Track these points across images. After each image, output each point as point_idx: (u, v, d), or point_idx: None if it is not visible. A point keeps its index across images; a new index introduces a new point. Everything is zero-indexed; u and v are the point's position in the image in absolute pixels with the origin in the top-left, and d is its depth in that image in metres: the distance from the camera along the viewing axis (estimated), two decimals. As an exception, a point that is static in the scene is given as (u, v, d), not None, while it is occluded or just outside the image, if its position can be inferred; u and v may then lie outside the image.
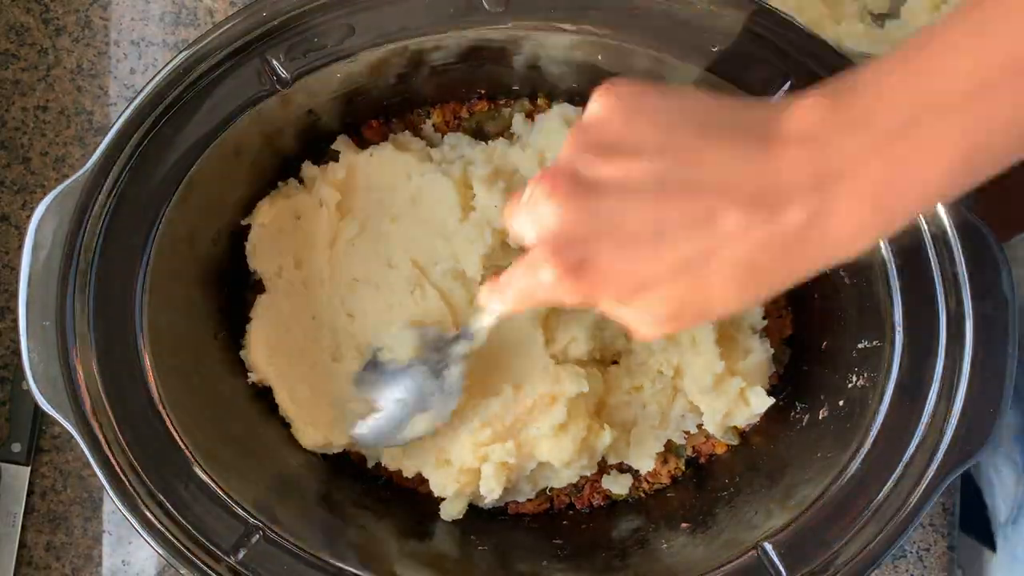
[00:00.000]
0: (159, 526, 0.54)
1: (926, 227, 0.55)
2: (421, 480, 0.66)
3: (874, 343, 0.58)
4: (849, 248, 0.40)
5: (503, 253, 0.63)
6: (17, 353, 0.70)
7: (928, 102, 0.37)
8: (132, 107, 0.55)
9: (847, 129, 0.38)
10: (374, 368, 0.63)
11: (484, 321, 0.56)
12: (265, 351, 0.65)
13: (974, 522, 0.74)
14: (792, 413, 0.66)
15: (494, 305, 0.50)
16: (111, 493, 0.54)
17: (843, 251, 0.40)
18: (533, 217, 0.42)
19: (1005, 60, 0.36)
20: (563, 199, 0.40)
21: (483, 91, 0.66)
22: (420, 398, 0.61)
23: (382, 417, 0.62)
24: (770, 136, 0.39)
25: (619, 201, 0.40)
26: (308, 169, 0.66)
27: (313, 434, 0.65)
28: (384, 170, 0.65)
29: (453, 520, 0.65)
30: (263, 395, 0.66)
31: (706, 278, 0.40)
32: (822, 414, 0.62)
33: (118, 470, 0.54)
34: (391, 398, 0.62)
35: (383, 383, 0.62)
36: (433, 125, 0.68)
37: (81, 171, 0.54)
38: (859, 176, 0.38)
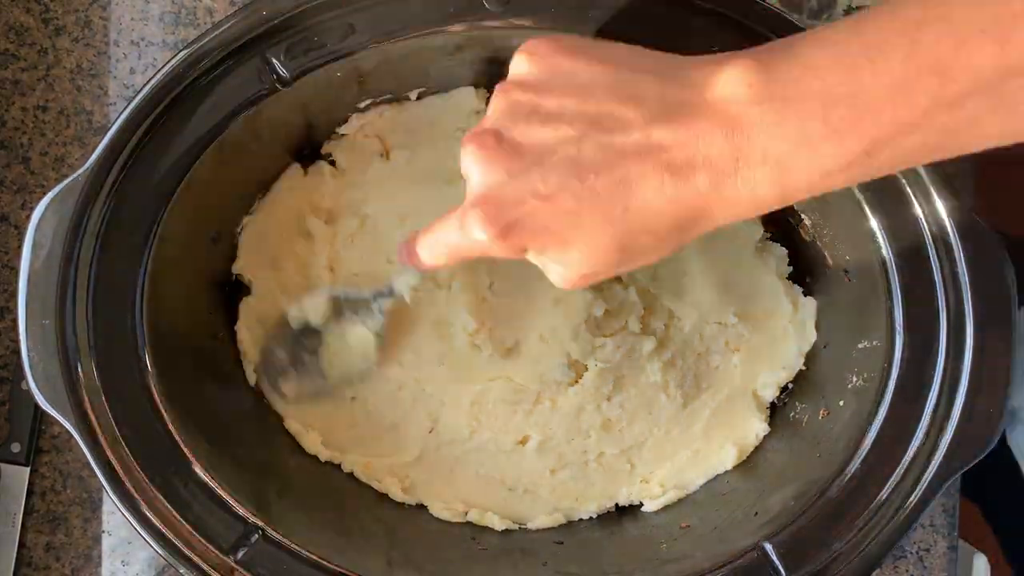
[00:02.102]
0: (159, 526, 0.54)
1: (927, 227, 0.55)
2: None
3: (874, 343, 0.58)
4: (738, 212, 0.42)
5: None
6: (17, 353, 0.70)
7: (849, 92, 0.38)
8: (132, 107, 0.55)
9: (766, 105, 0.39)
10: (282, 331, 0.63)
11: (410, 278, 0.57)
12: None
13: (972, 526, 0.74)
14: (792, 413, 0.66)
15: (423, 258, 0.51)
16: (111, 493, 0.54)
17: (733, 215, 0.42)
18: (468, 174, 0.44)
19: (931, 64, 0.37)
20: (489, 162, 0.43)
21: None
22: (339, 351, 0.62)
23: (299, 372, 0.63)
24: (692, 102, 0.41)
25: (542, 165, 0.42)
26: (312, 166, 0.66)
27: (315, 439, 0.66)
28: (388, 168, 0.65)
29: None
30: (263, 394, 0.66)
31: (626, 233, 0.42)
32: (822, 414, 0.62)
33: (118, 470, 0.54)
34: (304, 355, 0.63)
35: (294, 339, 0.63)
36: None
37: (81, 169, 0.54)
38: (767, 153, 0.39)
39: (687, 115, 0.40)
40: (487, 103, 0.66)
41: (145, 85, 0.55)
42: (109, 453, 0.54)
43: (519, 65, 0.44)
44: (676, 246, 0.43)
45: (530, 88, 0.43)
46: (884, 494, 0.55)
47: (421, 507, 0.66)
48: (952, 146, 0.39)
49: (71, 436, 0.54)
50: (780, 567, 0.56)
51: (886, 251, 0.56)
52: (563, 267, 0.44)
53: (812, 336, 0.65)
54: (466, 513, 0.66)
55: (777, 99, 0.39)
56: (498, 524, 0.65)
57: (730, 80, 0.40)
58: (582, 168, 0.41)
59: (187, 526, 0.54)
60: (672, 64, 0.43)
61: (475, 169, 0.43)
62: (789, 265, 0.66)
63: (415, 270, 0.54)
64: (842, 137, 0.38)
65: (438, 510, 0.66)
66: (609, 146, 0.41)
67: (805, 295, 0.66)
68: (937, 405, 0.55)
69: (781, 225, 0.67)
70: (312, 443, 0.66)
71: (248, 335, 0.66)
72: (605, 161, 0.41)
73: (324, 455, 0.66)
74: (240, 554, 0.55)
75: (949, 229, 0.54)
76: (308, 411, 0.66)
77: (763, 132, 0.39)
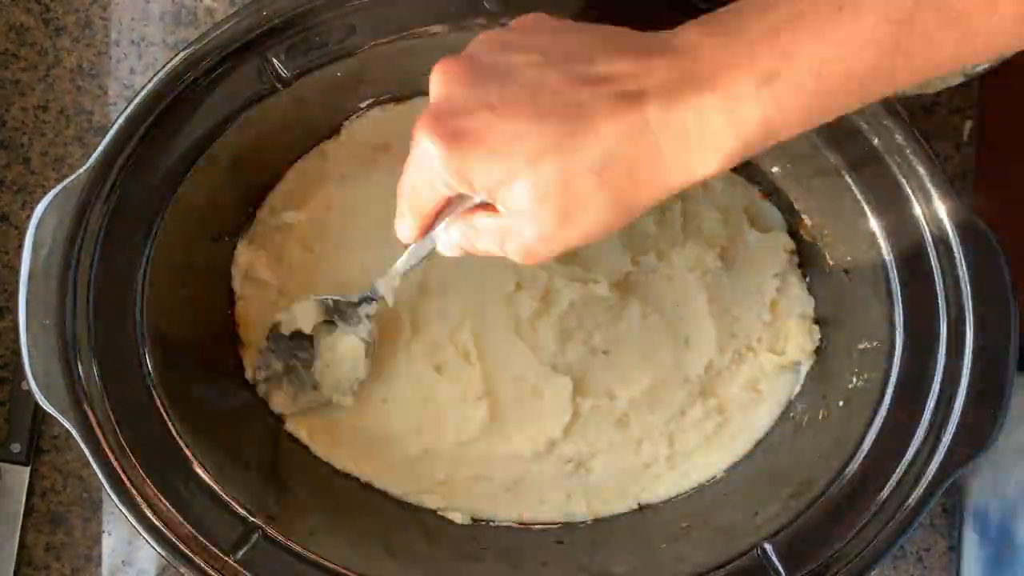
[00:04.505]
0: (159, 526, 0.54)
1: (927, 227, 0.55)
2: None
3: (874, 343, 0.58)
4: (691, 158, 0.41)
5: None
6: (17, 353, 0.70)
7: (795, 13, 0.39)
8: (132, 107, 0.54)
9: (717, 37, 0.41)
10: (276, 340, 0.64)
11: (391, 280, 0.59)
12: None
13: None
14: (792, 414, 0.66)
15: (398, 221, 0.50)
16: (111, 493, 0.54)
17: (685, 162, 0.41)
18: (431, 91, 0.44)
19: None
20: (451, 77, 0.43)
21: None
22: (330, 361, 0.64)
23: (293, 381, 0.65)
24: (652, 45, 0.42)
25: (502, 82, 0.42)
26: (312, 167, 0.66)
27: (320, 441, 0.66)
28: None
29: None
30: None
31: (571, 167, 0.41)
32: (822, 414, 0.62)
33: (118, 470, 0.54)
34: (298, 364, 0.64)
35: (288, 349, 0.64)
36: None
37: (81, 169, 0.54)
38: (716, 78, 0.40)
39: (647, 52, 0.42)
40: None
41: (145, 85, 0.55)
42: (109, 453, 0.54)
43: (513, 23, 0.46)
44: (624, 204, 0.43)
45: (512, 32, 0.45)
46: (884, 494, 0.55)
47: (422, 506, 0.66)
48: (905, 69, 0.40)
49: (71, 436, 0.54)
50: (780, 567, 0.56)
51: (886, 251, 0.56)
52: (515, 219, 0.44)
53: (816, 334, 0.65)
54: (467, 513, 0.66)
55: (730, 32, 0.40)
56: (499, 522, 0.65)
57: (687, 26, 0.42)
58: (539, 88, 0.42)
59: (187, 526, 0.54)
60: (633, 31, 0.45)
61: (436, 84, 0.44)
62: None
63: (393, 271, 0.57)
64: (790, 59, 0.39)
65: (438, 508, 0.66)
66: (570, 72, 0.42)
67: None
68: (937, 405, 0.55)
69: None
70: (318, 446, 0.66)
71: (249, 334, 0.66)
72: (563, 84, 0.41)
73: (333, 459, 0.66)
74: (240, 554, 0.55)
75: (949, 229, 0.54)
76: (311, 414, 0.66)
77: (711, 56, 0.40)
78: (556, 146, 0.41)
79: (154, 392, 0.55)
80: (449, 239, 0.49)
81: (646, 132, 0.41)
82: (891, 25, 0.38)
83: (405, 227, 0.50)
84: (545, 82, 0.42)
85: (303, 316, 0.63)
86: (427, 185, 0.45)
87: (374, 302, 0.61)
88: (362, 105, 0.65)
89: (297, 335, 0.64)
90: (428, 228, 0.49)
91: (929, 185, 0.54)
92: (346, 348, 0.64)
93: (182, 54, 0.55)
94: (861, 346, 0.60)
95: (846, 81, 0.40)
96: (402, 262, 0.56)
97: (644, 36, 0.44)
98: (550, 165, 0.41)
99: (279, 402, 0.65)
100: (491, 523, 0.66)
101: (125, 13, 0.71)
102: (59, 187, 0.54)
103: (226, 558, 0.55)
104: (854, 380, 0.60)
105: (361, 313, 0.62)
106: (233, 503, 0.56)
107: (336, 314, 0.63)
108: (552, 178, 0.42)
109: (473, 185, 0.43)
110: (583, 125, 0.41)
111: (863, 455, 0.56)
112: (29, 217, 0.54)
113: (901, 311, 0.56)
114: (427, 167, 0.44)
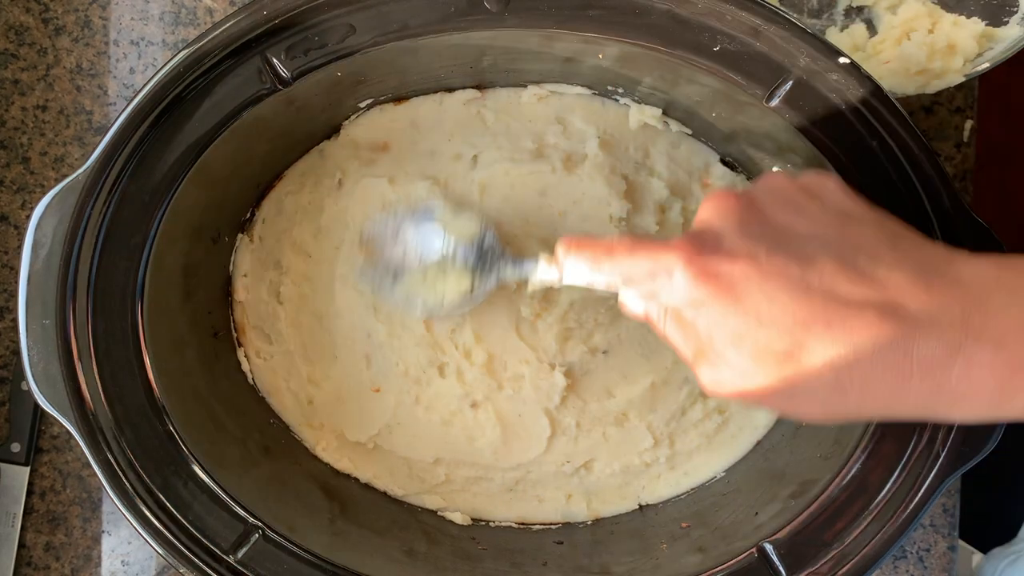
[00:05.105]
0: (159, 526, 0.54)
1: (927, 227, 0.55)
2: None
3: (874, 343, 0.58)
4: (961, 409, 0.39)
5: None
6: (17, 353, 0.70)
7: None
8: (132, 107, 0.54)
9: (1010, 295, 0.38)
10: (414, 217, 0.59)
11: (549, 277, 0.51)
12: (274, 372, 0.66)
13: (973, 529, 0.74)
14: (792, 413, 0.66)
15: (574, 265, 0.46)
16: (111, 493, 0.54)
17: (954, 411, 0.39)
18: (700, 215, 0.42)
19: None
20: (727, 212, 0.41)
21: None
22: (433, 282, 0.58)
23: (384, 260, 0.59)
24: (938, 272, 0.39)
25: (775, 242, 0.40)
26: (312, 166, 0.66)
27: (328, 444, 0.66)
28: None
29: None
30: (264, 393, 0.66)
31: (811, 361, 0.39)
32: (822, 414, 0.62)
33: (118, 470, 0.54)
34: (406, 246, 0.58)
35: (411, 233, 0.59)
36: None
37: (81, 169, 0.54)
38: (1004, 345, 0.37)
39: (931, 274, 0.39)
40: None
41: (145, 85, 0.55)
42: (109, 453, 0.54)
43: (798, 177, 0.44)
44: (838, 408, 0.40)
45: (798, 189, 0.43)
46: (884, 494, 0.55)
47: (422, 507, 0.66)
48: None
49: (71, 436, 0.54)
50: (780, 567, 0.56)
51: (886, 251, 0.56)
52: (726, 356, 0.40)
53: None
54: (467, 513, 0.66)
55: (1018, 289, 0.38)
56: (498, 522, 0.65)
57: (981, 262, 0.39)
58: (810, 266, 0.39)
59: (187, 526, 0.54)
60: (923, 237, 0.42)
61: (707, 212, 0.41)
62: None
63: (558, 273, 0.49)
64: None
65: (438, 508, 0.66)
66: (849, 262, 0.39)
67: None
68: (937, 405, 0.55)
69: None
70: (325, 448, 0.66)
71: (248, 334, 0.66)
72: (837, 272, 0.39)
73: (333, 460, 0.66)
74: (240, 554, 0.55)
75: (950, 229, 0.54)
76: (315, 413, 0.66)
77: (1001, 311, 0.37)
78: (803, 326, 0.38)
79: (154, 392, 0.55)
80: (634, 304, 0.45)
81: (902, 358, 0.38)
82: None
83: (583, 268, 0.45)
84: (820, 262, 0.39)
85: (465, 226, 0.58)
86: (643, 296, 0.43)
87: (515, 275, 0.55)
88: (362, 105, 0.65)
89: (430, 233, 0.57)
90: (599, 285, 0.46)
91: (929, 185, 0.54)
92: (453, 286, 0.58)
93: (182, 54, 0.55)
94: (861, 346, 0.60)
95: None
96: (564, 278, 0.49)
97: (932, 249, 0.41)
98: (786, 340, 0.38)
99: (364, 279, 0.59)
100: (491, 523, 0.66)
101: (125, 13, 0.71)
102: (59, 187, 0.54)
103: (226, 557, 0.55)
104: (854, 380, 0.60)
105: (495, 271, 0.56)
106: (233, 503, 0.56)
107: (483, 256, 0.57)
108: (782, 356, 0.39)
109: (696, 325, 0.41)
110: (841, 320, 0.38)
111: (863, 455, 0.56)
112: (29, 217, 0.54)
113: (901, 311, 0.56)
114: (661, 289, 0.41)
